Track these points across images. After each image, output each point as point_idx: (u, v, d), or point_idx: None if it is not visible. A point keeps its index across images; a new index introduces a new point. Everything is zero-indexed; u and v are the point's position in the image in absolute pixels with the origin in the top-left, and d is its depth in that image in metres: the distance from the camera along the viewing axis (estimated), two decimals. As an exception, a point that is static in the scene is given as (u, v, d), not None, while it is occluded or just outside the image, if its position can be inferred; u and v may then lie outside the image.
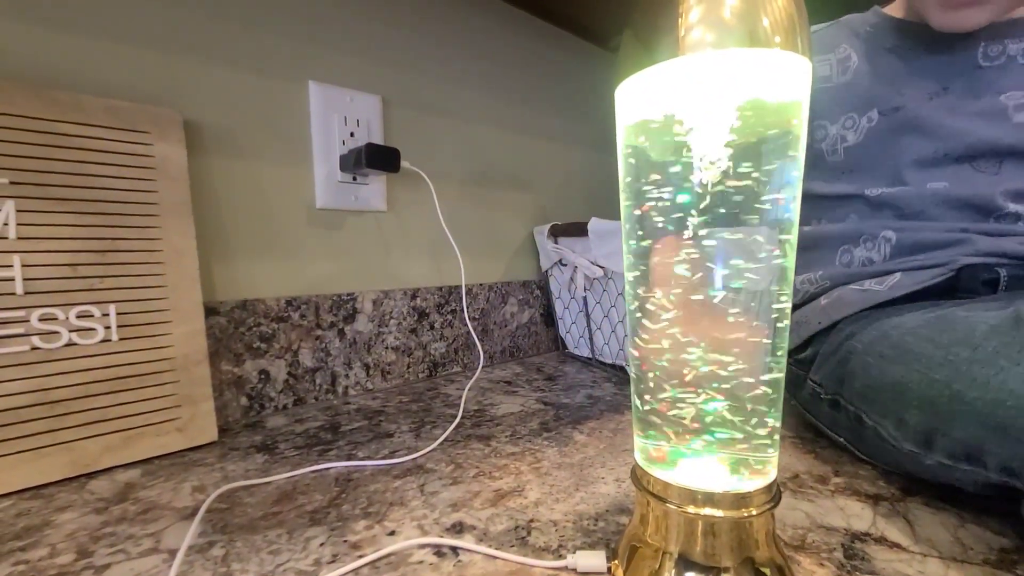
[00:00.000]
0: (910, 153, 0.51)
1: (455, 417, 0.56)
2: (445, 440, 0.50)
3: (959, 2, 0.48)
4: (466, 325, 0.77)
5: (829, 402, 0.46)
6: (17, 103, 0.41)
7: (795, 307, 0.54)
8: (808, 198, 0.58)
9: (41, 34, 0.45)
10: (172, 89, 0.52)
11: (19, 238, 0.41)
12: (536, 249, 0.88)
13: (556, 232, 0.80)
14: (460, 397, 0.64)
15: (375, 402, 0.63)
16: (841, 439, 0.46)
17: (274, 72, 0.58)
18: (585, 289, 0.77)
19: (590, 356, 0.81)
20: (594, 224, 0.69)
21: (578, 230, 0.74)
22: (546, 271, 0.87)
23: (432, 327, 0.74)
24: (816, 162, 0.58)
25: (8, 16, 0.43)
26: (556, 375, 0.75)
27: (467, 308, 0.77)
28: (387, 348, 0.69)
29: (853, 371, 0.43)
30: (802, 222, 0.57)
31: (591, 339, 0.79)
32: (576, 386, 0.69)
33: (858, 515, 0.36)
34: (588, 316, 0.79)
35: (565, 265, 0.81)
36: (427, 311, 0.73)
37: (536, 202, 0.90)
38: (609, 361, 0.76)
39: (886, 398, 0.39)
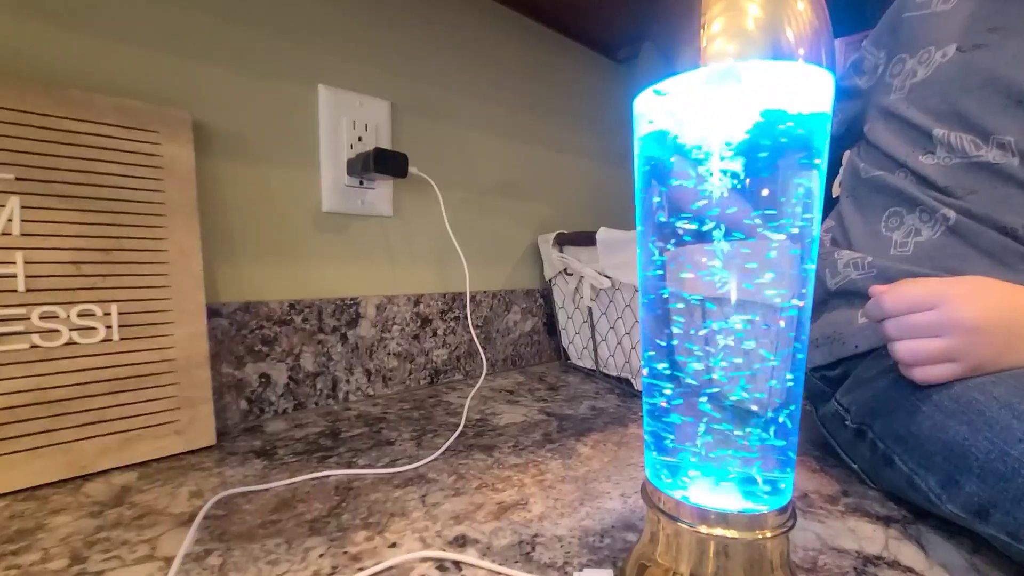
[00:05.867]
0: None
1: (457, 426, 0.55)
2: (447, 450, 0.49)
3: None
4: (469, 332, 0.77)
5: (855, 430, 0.43)
6: (26, 100, 0.41)
7: (832, 295, 0.49)
8: (866, 142, 0.52)
9: (54, 34, 0.45)
10: (182, 90, 0.52)
11: (23, 234, 0.41)
12: (540, 257, 0.88)
13: (562, 241, 0.80)
14: (462, 405, 0.63)
15: (376, 408, 0.62)
16: (855, 466, 0.44)
17: (284, 75, 0.58)
18: (591, 299, 0.76)
19: (593, 367, 0.80)
20: (603, 234, 0.69)
21: (585, 239, 0.73)
22: (549, 280, 0.86)
23: (435, 334, 0.73)
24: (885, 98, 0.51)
25: (23, 16, 0.43)
26: (558, 385, 0.75)
27: (471, 315, 0.77)
28: (389, 354, 0.68)
29: (893, 410, 0.39)
30: (859, 164, 0.51)
31: (595, 350, 0.78)
32: (579, 397, 0.68)
33: (870, 537, 0.35)
34: (593, 327, 0.78)
35: (570, 274, 0.80)
36: (430, 317, 0.72)
37: (540, 211, 0.90)
38: (613, 373, 0.75)
39: (935, 452, 0.35)
